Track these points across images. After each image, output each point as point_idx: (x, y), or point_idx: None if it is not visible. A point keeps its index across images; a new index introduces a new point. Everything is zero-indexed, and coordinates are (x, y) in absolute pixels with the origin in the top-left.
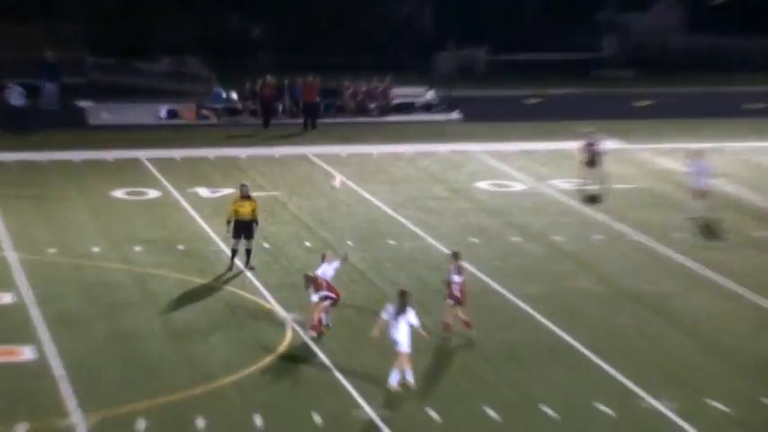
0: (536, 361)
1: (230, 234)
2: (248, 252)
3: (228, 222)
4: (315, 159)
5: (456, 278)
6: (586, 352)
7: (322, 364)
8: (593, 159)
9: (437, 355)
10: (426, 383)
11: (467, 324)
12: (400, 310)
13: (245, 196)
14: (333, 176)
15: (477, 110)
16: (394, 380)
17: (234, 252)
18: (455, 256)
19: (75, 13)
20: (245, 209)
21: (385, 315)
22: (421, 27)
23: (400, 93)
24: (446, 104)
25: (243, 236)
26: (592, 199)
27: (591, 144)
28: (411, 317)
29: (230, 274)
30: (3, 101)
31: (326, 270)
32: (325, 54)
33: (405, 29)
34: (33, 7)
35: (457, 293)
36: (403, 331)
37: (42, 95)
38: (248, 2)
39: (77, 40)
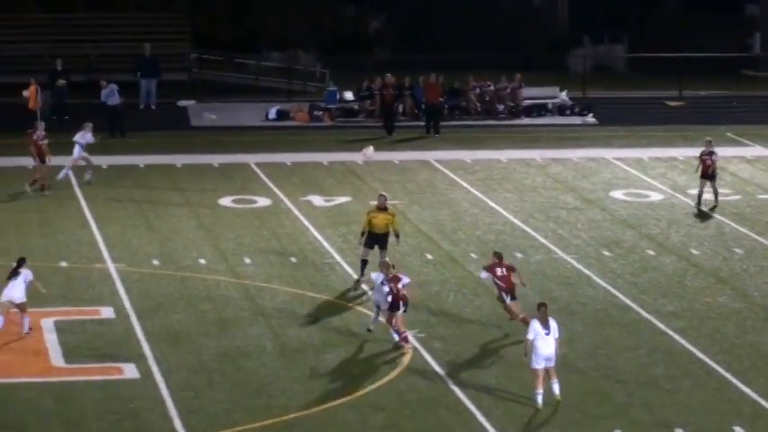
0: (670, 381)
1: (362, 244)
2: (382, 264)
3: (363, 234)
4: (437, 165)
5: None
6: (724, 372)
7: (444, 384)
8: (709, 171)
9: (564, 374)
10: (553, 404)
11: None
12: (545, 325)
13: (382, 208)
14: (366, 147)
15: (614, 112)
16: (538, 399)
17: (364, 262)
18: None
19: (176, 4)
20: (380, 221)
21: (530, 336)
22: (553, 22)
23: (530, 94)
24: (580, 106)
25: (377, 247)
26: (703, 213)
27: (707, 154)
28: (555, 330)
29: (349, 288)
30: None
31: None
32: (449, 51)
33: (535, 24)
34: None
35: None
36: (552, 345)
37: (139, 93)
38: None
39: (178, 33)
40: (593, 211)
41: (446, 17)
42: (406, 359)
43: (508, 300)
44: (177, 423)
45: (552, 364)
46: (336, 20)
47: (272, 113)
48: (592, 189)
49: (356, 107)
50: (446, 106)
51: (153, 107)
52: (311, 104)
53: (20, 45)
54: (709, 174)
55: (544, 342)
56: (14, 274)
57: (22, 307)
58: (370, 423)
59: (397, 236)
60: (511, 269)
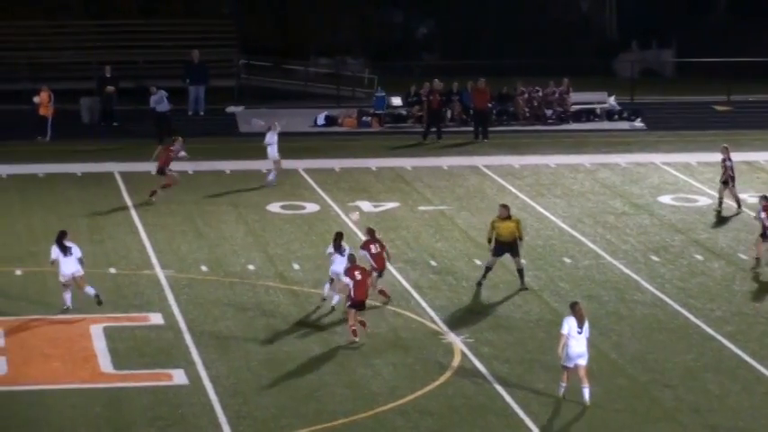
0: (718, 386)
1: (491, 252)
2: (520, 272)
3: (489, 241)
4: (486, 171)
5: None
6: None
7: (492, 389)
8: (723, 177)
9: (612, 379)
10: (601, 408)
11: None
12: (581, 323)
13: (505, 217)
14: (354, 210)
15: (662, 117)
16: (560, 391)
17: (488, 269)
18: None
19: (224, 10)
20: (505, 229)
21: (564, 330)
22: (601, 27)
23: (579, 99)
24: (628, 111)
25: (507, 254)
26: (722, 218)
27: (723, 161)
28: (587, 330)
29: (397, 295)
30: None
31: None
32: (497, 56)
33: (584, 29)
34: (177, 3)
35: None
36: (584, 344)
37: (188, 100)
38: None
39: (226, 39)
40: (641, 216)
41: (494, 22)
42: (455, 364)
43: (375, 275)
44: (226, 429)
45: (584, 362)
46: (384, 26)
47: (321, 119)
48: (640, 194)
49: (404, 113)
50: (494, 112)
51: (201, 113)
52: (359, 110)
53: (69, 52)
54: (723, 180)
55: (576, 340)
56: (65, 249)
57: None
58: (419, 428)
59: (520, 239)
60: (383, 246)
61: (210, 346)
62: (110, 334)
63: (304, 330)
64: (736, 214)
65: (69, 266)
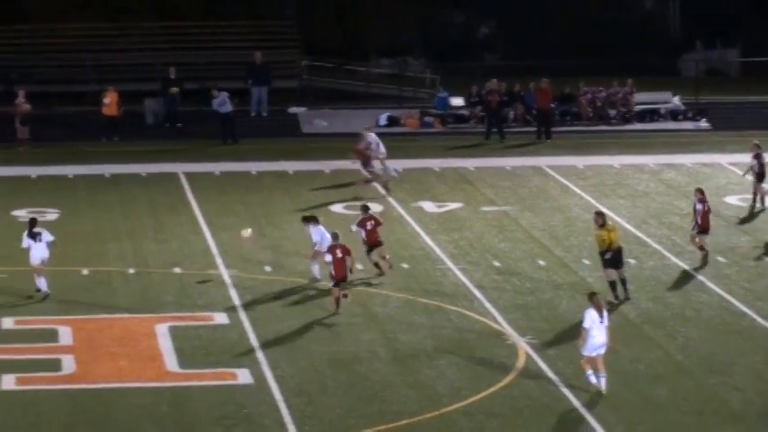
0: None
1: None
2: (623, 282)
3: (602, 254)
4: (549, 171)
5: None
6: None
7: (556, 390)
8: (760, 173)
9: (679, 380)
10: (667, 410)
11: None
12: (601, 314)
13: (603, 224)
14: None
15: (727, 117)
16: (593, 380)
17: (613, 284)
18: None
19: (287, 11)
20: (614, 236)
21: (587, 324)
22: (665, 25)
23: (642, 99)
24: (693, 111)
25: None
26: (753, 214)
27: (756, 157)
28: (606, 319)
29: (462, 294)
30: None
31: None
32: (559, 56)
33: (647, 27)
34: (240, 5)
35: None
36: (604, 334)
37: (251, 101)
38: None
39: (289, 41)
40: None
41: (556, 22)
42: (520, 365)
43: (372, 253)
44: (291, 429)
45: (603, 351)
46: (445, 26)
47: (383, 120)
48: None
49: (466, 113)
50: (557, 112)
51: (264, 114)
52: (421, 111)
53: (133, 54)
54: (756, 176)
55: (598, 330)
56: (34, 236)
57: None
58: (484, 430)
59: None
60: (378, 224)
61: (275, 345)
62: (175, 333)
63: (368, 331)
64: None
65: (39, 252)
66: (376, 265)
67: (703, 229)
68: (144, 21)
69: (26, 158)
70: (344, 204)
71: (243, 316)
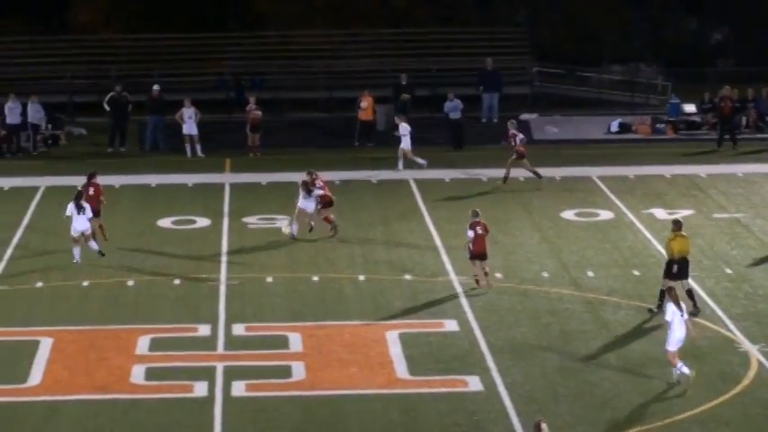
0: None
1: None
2: (689, 293)
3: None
4: None
5: None
6: None
7: None
8: None
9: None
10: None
11: None
12: (680, 307)
13: (680, 229)
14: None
15: None
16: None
17: (689, 292)
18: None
19: (517, 18)
20: (688, 244)
21: (669, 317)
22: None
23: None
24: None
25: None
26: None
27: None
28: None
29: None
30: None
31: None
32: None
33: None
34: (471, 12)
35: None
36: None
37: (481, 107)
38: (708, 4)
39: (520, 47)
40: None
41: None
42: (752, 374)
43: (476, 261)
44: None
45: (682, 344)
46: (678, 32)
47: (614, 126)
48: None
49: (699, 120)
50: None
51: (495, 121)
52: (653, 117)
53: (364, 60)
54: None
55: (680, 324)
56: (80, 208)
57: (87, 237)
58: None
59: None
60: (485, 229)
61: (505, 352)
62: (405, 340)
63: (599, 338)
64: None
65: (80, 224)
66: (477, 281)
67: None
68: (375, 27)
69: (257, 165)
70: (575, 211)
71: (473, 323)
